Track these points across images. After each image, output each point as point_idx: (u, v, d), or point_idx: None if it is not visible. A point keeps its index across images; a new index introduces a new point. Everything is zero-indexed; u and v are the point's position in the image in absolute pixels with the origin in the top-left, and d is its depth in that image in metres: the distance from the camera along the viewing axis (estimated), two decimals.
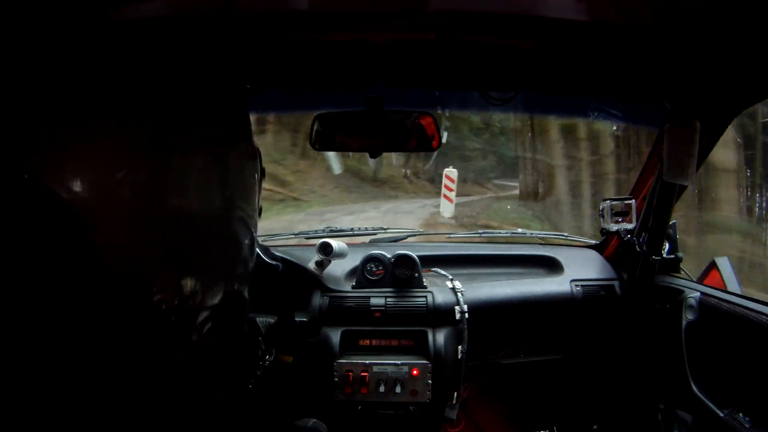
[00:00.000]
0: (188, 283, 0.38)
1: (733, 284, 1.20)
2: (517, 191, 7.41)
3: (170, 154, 0.35)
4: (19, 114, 0.31)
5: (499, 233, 1.78)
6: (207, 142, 0.39)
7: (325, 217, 6.13)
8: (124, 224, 0.34)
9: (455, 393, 1.31)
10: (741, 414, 0.97)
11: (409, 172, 8.61)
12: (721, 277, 1.23)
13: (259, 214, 0.50)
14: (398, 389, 1.25)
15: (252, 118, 0.57)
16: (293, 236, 1.64)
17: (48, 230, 0.32)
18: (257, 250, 0.73)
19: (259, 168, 0.47)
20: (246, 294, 0.49)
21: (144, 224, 0.34)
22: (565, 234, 1.70)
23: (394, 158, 7.73)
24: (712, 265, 1.27)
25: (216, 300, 0.42)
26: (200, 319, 0.40)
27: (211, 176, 0.39)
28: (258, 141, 0.55)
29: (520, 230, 1.84)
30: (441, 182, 4.81)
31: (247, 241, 0.44)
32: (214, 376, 0.46)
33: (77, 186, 0.32)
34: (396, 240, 1.65)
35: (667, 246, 1.34)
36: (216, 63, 0.41)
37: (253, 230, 0.46)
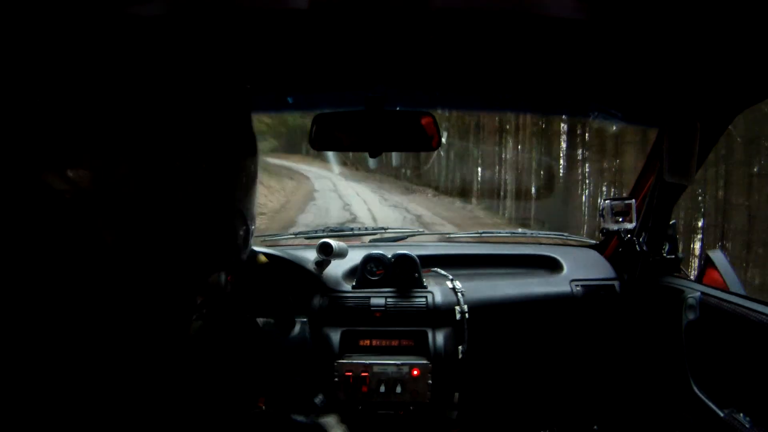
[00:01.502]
0: (184, 268, 0.42)
1: (732, 279, 1.20)
2: None
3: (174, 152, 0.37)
4: (29, 115, 0.33)
5: (499, 233, 1.77)
6: (211, 142, 0.40)
7: None
8: (126, 218, 0.36)
9: (455, 393, 1.31)
10: (741, 414, 0.97)
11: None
12: (719, 273, 1.22)
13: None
14: (398, 389, 1.25)
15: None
16: (293, 236, 1.64)
17: (52, 225, 0.34)
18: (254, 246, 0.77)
19: (257, 161, 0.49)
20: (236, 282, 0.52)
21: (145, 216, 0.37)
22: (565, 234, 1.70)
23: None
24: (708, 261, 1.27)
25: (207, 283, 0.46)
26: (195, 303, 0.43)
27: (214, 173, 0.41)
28: None
29: (520, 230, 1.85)
30: None
31: (242, 232, 0.47)
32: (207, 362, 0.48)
33: (78, 183, 0.34)
34: (396, 240, 1.65)
35: (667, 246, 1.34)
36: (220, 67, 0.43)
37: (249, 222, 0.48)
